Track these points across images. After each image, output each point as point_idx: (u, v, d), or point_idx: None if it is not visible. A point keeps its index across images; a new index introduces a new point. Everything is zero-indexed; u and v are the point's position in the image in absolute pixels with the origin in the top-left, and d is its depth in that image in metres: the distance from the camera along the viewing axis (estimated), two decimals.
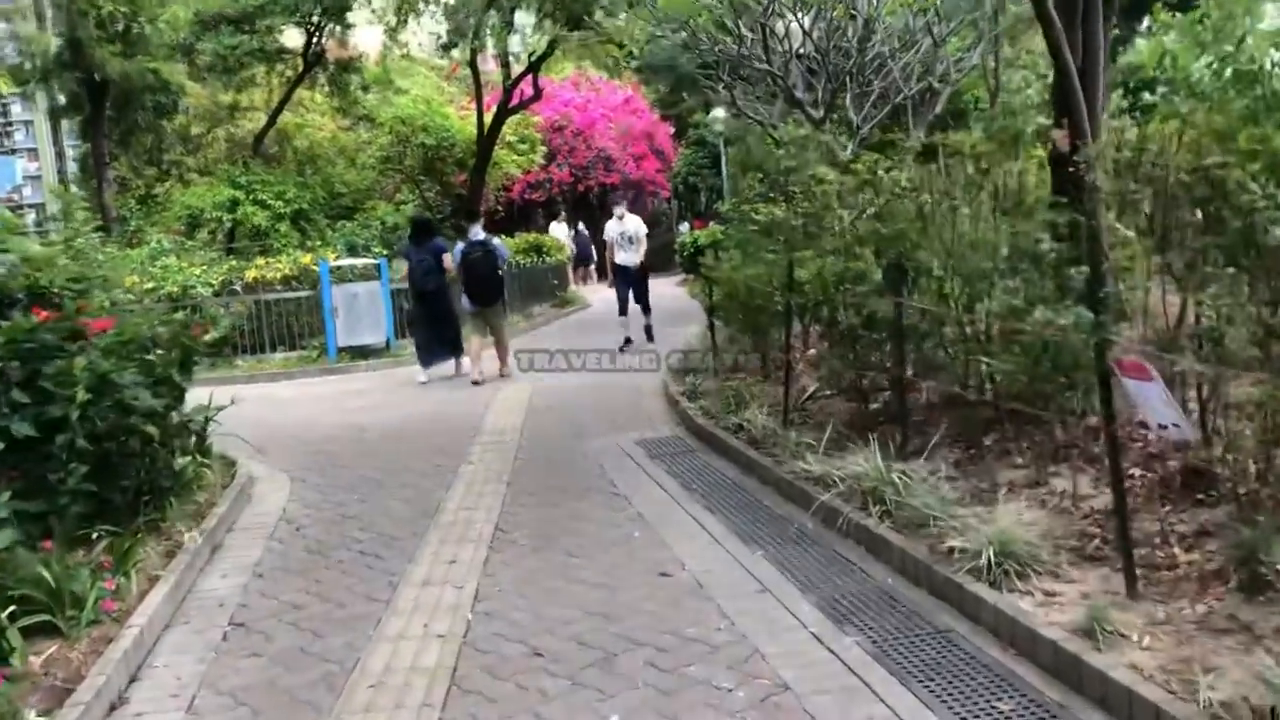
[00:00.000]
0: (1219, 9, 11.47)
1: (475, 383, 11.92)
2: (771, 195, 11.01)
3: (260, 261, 15.15)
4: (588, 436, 8.71)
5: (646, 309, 14.16)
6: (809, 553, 5.32)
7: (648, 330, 14.19)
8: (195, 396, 7.46)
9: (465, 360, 12.50)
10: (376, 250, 16.20)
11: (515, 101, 22.02)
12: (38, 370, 4.85)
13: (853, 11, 14.16)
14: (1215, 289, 4.21)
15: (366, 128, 24.65)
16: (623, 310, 14.08)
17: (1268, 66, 10.28)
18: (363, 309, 14.40)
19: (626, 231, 14.01)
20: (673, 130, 34.70)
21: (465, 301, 12.21)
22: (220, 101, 22.38)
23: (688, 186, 35.43)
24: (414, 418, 10.22)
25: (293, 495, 7.32)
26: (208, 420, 7.37)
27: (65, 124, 26.03)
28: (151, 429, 5.63)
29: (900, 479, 5.47)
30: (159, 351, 6.79)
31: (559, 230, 27.21)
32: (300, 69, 21.53)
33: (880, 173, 8.03)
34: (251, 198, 18.96)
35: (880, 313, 6.47)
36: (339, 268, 14.83)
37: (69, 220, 19.80)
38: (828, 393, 8.34)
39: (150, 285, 14.13)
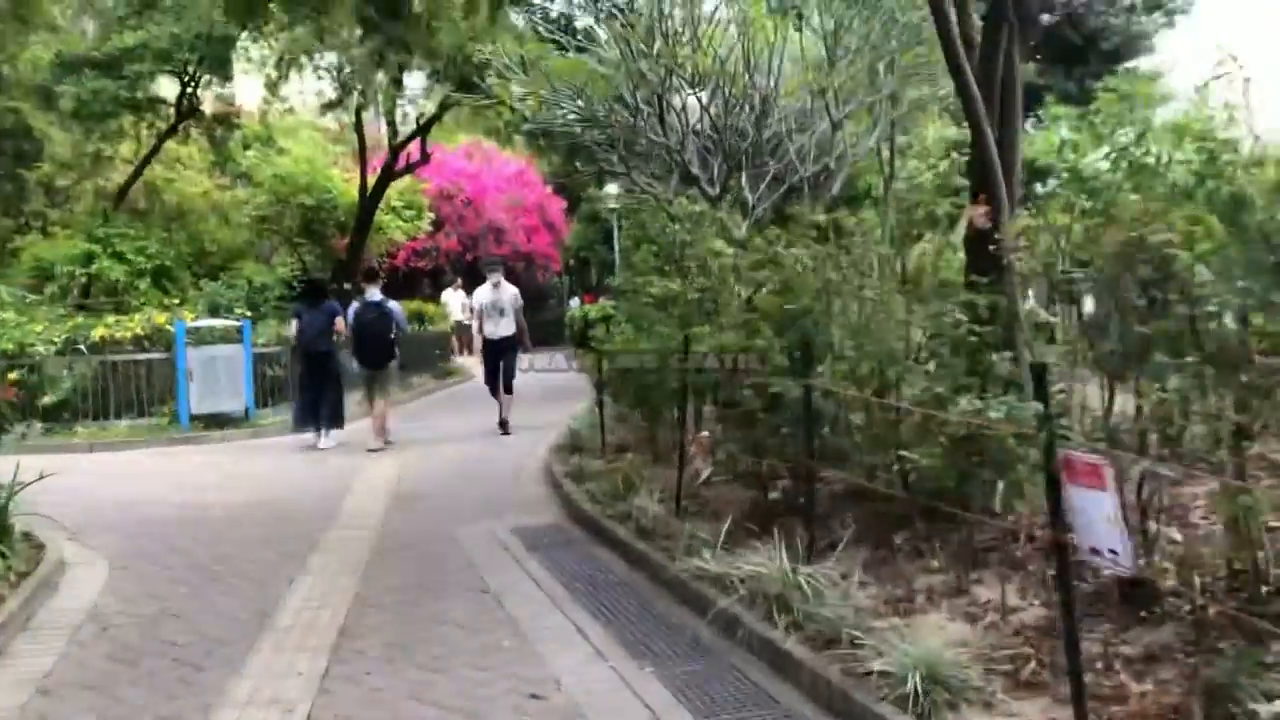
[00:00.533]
0: (1112, 104, 11.53)
1: (377, 445, 11.64)
2: (666, 269, 10.49)
3: (110, 320, 13.91)
4: (458, 522, 7.90)
5: (509, 388, 12.61)
6: (706, 670, 4.61)
7: (503, 424, 12.53)
8: (7, 468, 6.50)
9: (335, 434, 12.08)
10: (240, 311, 15.10)
11: (402, 165, 21.28)
12: None
13: (750, 90, 14.00)
14: (1178, 381, 3.70)
15: (244, 185, 23.51)
16: (494, 392, 12.71)
17: (1164, 160, 10.26)
18: (221, 374, 13.27)
19: (500, 302, 12.50)
20: (565, 205, 34.38)
21: (355, 364, 11.88)
22: (83, 151, 20.98)
23: (579, 261, 35.10)
24: (266, 497, 9.22)
25: (108, 587, 6.29)
26: (10, 497, 6.33)
27: None
28: None
29: (808, 583, 4.83)
30: None
31: (454, 298, 26.41)
32: (173, 120, 20.40)
33: (780, 249, 7.61)
34: (109, 251, 17.64)
35: (788, 394, 5.88)
36: (197, 329, 13.71)
37: None
38: (722, 478, 7.74)
39: None
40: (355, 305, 11.87)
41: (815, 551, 5.48)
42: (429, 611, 5.65)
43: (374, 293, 11.84)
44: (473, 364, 22.34)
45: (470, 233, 31.56)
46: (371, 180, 21.17)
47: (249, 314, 14.85)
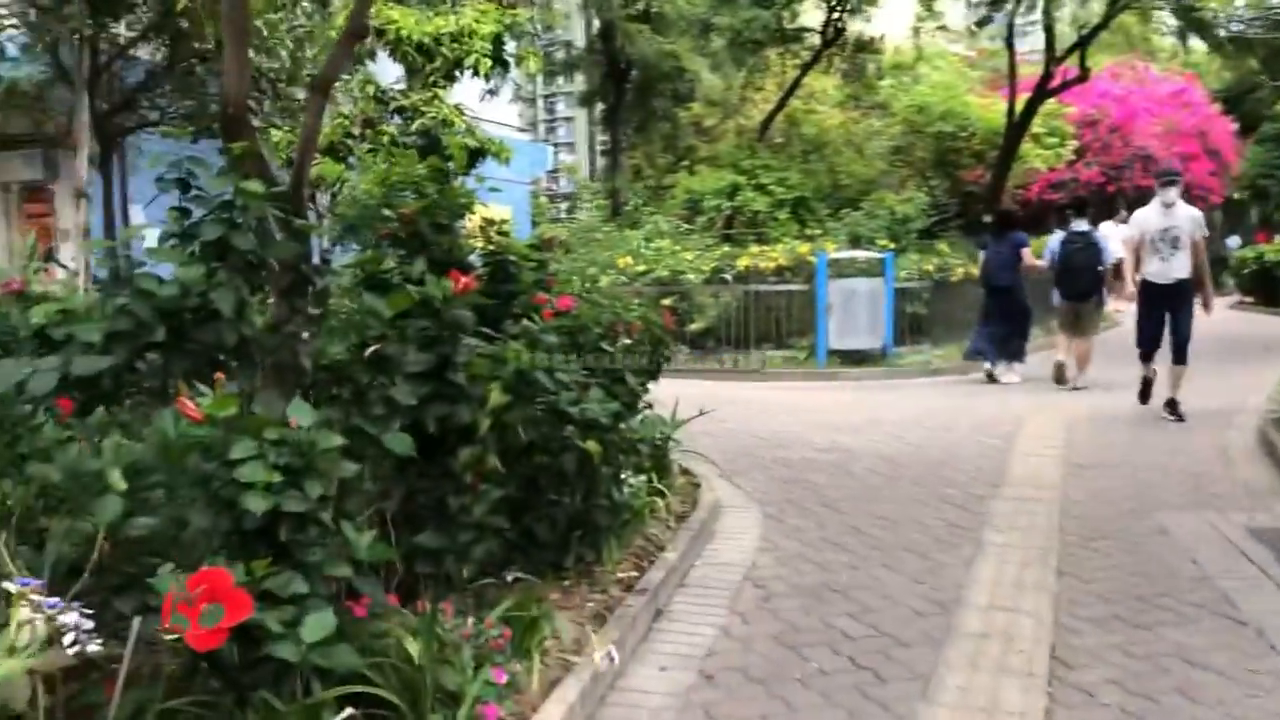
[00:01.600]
0: None
1: (1068, 386, 11.20)
2: None
3: (754, 250, 14.00)
4: (1162, 508, 6.23)
5: (1180, 356, 9.02)
6: None
7: (1171, 406, 9.07)
8: (661, 396, 6.18)
9: (1016, 369, 11.94)
10: (881, 243, 14.41)
11: (1056, 82, 19.13)
12: (447, 359, 3.55)
13: None
14: None
15: (878, 116, 23.00)
16: (1147, 353, 9.31)
17: None
18: (860, 309, 12.72)
19: (1173, 228, 8.96)
20: (1236, 127, 29.38)
21: (1055, 294, 11.56)
22: (731, 87, 21.87)
23: (1254, 190, 29.90)
24: (915, 447, 8.26)
25: (764, 540, 5.68)
26: (673, 432, 5.98)
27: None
28: (593, 445, 4.22)
29: None
30: (625, 341, 5.50)
31: (1114, 233, 23.82)
32: (817, 49, 20.32)
33: None
34: (752, 183, 18.04)
35: None
36: (837, 261, 13.25)
37: (578, 199, 20.41)
38: None
39: (641, 268, 13.50)
40: (1060, 236, 11.41)
41: None
42: (1164, 642, 4.17)
43: (1080, 223, 11.34)
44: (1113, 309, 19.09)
45: (1114, 162, 28.23)
46: (1018, 105, 19.34)
47: (890, 246, 14.13)
